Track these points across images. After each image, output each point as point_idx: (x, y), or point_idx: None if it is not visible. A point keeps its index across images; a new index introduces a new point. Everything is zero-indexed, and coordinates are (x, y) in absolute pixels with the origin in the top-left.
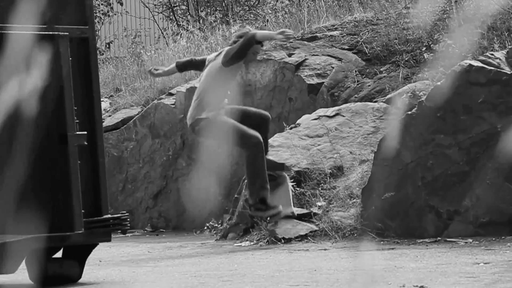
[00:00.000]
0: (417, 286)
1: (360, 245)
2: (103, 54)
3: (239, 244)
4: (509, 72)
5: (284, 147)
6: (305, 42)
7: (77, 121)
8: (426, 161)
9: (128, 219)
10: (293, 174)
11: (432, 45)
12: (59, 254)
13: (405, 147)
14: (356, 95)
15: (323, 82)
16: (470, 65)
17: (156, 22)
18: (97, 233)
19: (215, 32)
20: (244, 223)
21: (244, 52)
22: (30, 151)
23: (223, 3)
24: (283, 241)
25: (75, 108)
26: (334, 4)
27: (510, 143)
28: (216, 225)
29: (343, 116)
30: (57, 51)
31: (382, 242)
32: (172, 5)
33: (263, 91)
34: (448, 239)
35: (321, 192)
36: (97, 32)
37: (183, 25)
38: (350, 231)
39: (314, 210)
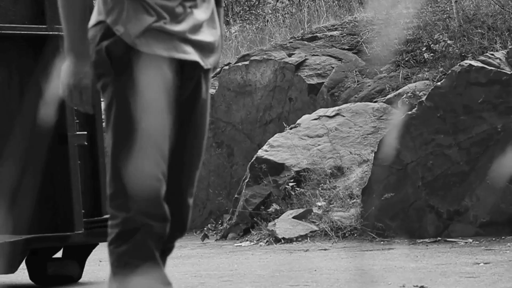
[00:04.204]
0: (417, 286)
1: (360, 245)
2: None
3: (239, 244)
4: (509, 72)
5: (284, 147)
6: (305, 42)
7: (77, 121)
8: (426, 161)
9: None
10: (293, 174)
11: (432, 45)
12: (59, 254)
13: (405, 147)
14: (356, 95)
15: (323, 82)
16: (470, 65)
17: None
18: (97, 233)
19: None
20: (244, 223)
21: None
22: (30, 151)
23: (223, 3)
24: (283, 241)
25: (75, 108)
26: (334, 4)
27: (510, 143)
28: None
29: (343, 116)
30: (57, 51)
31: (382, 242)
32: None
33: (263, 91)
34: (448, 239)
35: (321, 192)
36: None
37: None
38: (350, 231)
39: (315, 210)
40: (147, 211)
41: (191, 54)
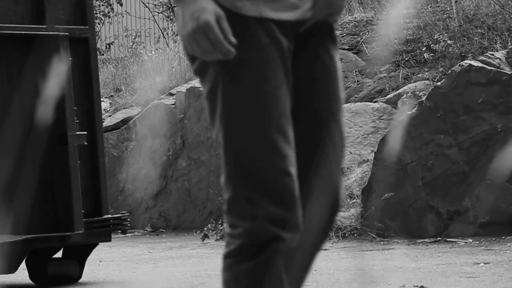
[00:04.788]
0: (417, 286)
1: (360, 245)
2: (103, 54)
3: None
4: (509, 72)
5: None
6: None
7: (77, 121)
8: (426, 161)
9: (128, 219)
10: None
11: (432, 45)
12: (59, 254)
13: (405, 147)
14: (356, 95)
15: None
16: (470, 65)
17: (156, 22)
18: (97, 233)
19: None
20: None
21: None
22: (29, 151)
23: None
24: None
25: (75, 108)
26: None
27: (510, 143)
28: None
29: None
30: (57, 51)
31: (382, 242)
32: (172, 5)
33: None
34: (448, 239)
35: None
36: (97, 33)
37: None
38: (350, 231)
39: None
40: (277, 218)
41: (305, 10)
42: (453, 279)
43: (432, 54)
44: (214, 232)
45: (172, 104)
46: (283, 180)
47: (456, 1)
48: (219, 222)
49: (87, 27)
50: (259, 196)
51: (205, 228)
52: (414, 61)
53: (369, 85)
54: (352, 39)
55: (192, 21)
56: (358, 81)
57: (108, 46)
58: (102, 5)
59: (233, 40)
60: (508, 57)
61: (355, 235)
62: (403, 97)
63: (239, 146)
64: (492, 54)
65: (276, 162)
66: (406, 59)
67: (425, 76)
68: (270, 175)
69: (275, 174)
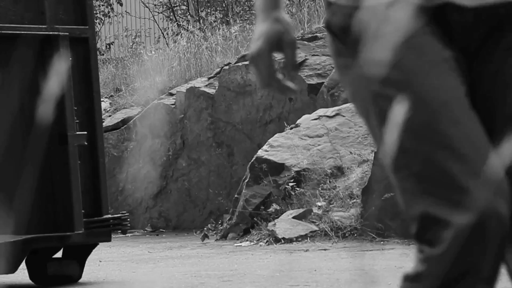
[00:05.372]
0: None
1: (360, 245)
2: (103, 54)
3: (239, 244)
4: None
5: (284, 147)
6: (305, 42)
7: (77, 121)
8: None
9: (128, 219)
10: (293, 174)
11: None
12: (59, 254)
13: None
14: None
15: (323, 82)
16: None
17: (156, 22)
18: (97, 233)
19: (215, 32)
20: (244, 223)
21: None
22: (29, 151)
23: (223, 3)
24: (283, 241)
25: (75, 108)
26: None
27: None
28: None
29: (343, 116)
30: (57, 51)
31: (382, 242)
32: (172, 5)
33: (263, 91)
34: None
35: (321, 192)
36: (97, 33)
37: (183, 25)
38: (350, 231)
39: (314, 210)
40: (478, 247)
41: None
42: None
43: None
44: (214, 232)
45: (172, 104)
46: (470, 186)
47: None
48: (219, 222)
49: (87, 27)
50: (442, 211)
51: (205, 228)
52: None
53: None
54: None
55: (253, 45)
56: None
57: (108, 46)
58: (102, 5)
59: (296, 73)
60: None
61: (355, 235)
62: None
63: (406, 155)
64: None
65: (454, 165)
66: None
67: None
68: (453, 182)
69: (459, 179)
